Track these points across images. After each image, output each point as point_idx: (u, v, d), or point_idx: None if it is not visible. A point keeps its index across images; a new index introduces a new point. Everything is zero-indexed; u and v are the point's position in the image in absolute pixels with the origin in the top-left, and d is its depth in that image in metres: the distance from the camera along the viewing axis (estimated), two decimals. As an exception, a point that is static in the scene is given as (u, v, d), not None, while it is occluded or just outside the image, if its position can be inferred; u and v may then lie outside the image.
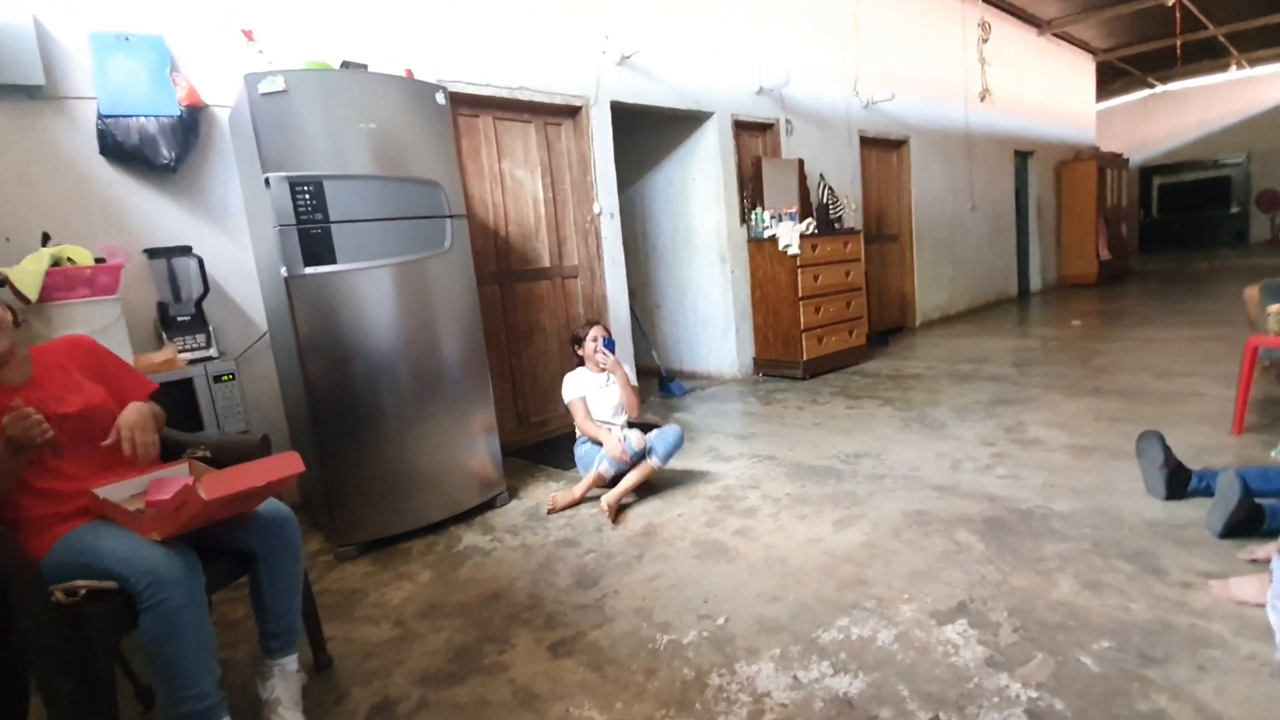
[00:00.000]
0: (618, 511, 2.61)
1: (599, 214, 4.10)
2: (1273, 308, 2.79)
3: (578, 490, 2.74)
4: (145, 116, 2.53)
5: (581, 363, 2.97)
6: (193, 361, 2.40)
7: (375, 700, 1.60)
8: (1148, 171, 14.21)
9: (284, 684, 1.50)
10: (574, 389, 2.90)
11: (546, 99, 3.78)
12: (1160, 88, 13.54)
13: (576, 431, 2.96)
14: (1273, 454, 1.67)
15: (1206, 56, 11.30)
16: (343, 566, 2.37)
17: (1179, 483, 2.27)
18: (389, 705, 1.57)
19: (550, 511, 2.68)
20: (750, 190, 5.01)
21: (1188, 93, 13.56)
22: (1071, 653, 1.53)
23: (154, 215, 2.64)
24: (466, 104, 3.52)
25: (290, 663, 1.54)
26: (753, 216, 4.94)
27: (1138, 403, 3.39)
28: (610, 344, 2.91)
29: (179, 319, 2.52)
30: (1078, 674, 1.46)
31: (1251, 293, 3.51)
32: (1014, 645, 1.58)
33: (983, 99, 6.73)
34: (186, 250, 2.58)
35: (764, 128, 5.20)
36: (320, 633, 1.74)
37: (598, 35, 4.00)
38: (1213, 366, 3.99)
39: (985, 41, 6.32)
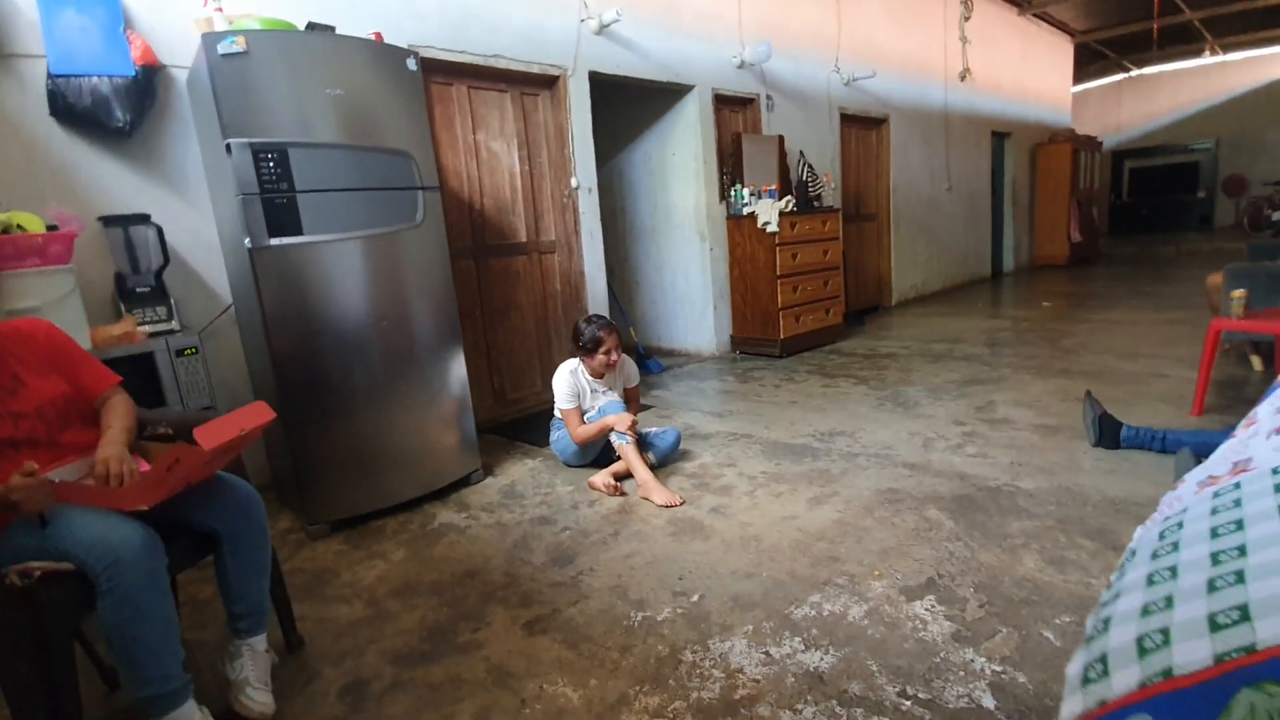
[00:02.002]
0: (618, 487, 2.56)
1: (577, 188, 4.03)
2: (1236, 293, 2.86)
3: (613, 472, 2.62)
4: (98, 76, 2.40)
5: (578, 355, 2.80)
6: (153, 335, 2.32)
7: (347, 680, 1.58)
8: (1120, 155, 14.41)
9: (253, 664, 1.47)
10: (568, 393, 2.74)
11: (523, 68, 3.68)
12: (1135, 71, 13.70)
13: (555, 413, 2.90)
14: None
15: (1181, 41, 11.43)
16: (314, 545, 2.33)
17: (1109, 430, 2.58)
18: (361, 685, 1.56)
19: (611, 495, 2.55)
20: (730, 167, 4.97)
21: (1161, 77, 13.73)
22: (1035, 627, 1.57)
23: (109, 181, 2.53)
24: (440, 71, 3.41)
25: (259, 643, 1.51)
26: (732, 193, 4.90)
27: (1103, 383, 3.47)
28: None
29: (138, 290, 2.42)
30: (1040, 648, 1.50)
31: (1214, 280, 3.60)
32: (980, 620, 1.61)
33: (963, 78, 6.73)
34: (144, 219, 2.48)
35: (745, 102, 5.14)
36: (290, 612, 1.72)
37: (576, 2, 3.90)
38: (1175, 349, 4.09)
39: (967, 19, 6.29)
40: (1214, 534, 0.64)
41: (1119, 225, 14.43)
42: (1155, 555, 0.69)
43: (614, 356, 2.74)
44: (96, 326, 2.25)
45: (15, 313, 1.99)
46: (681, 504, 2.40)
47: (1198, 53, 12.39)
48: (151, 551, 1.25)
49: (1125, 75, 13.90)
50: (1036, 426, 2.93)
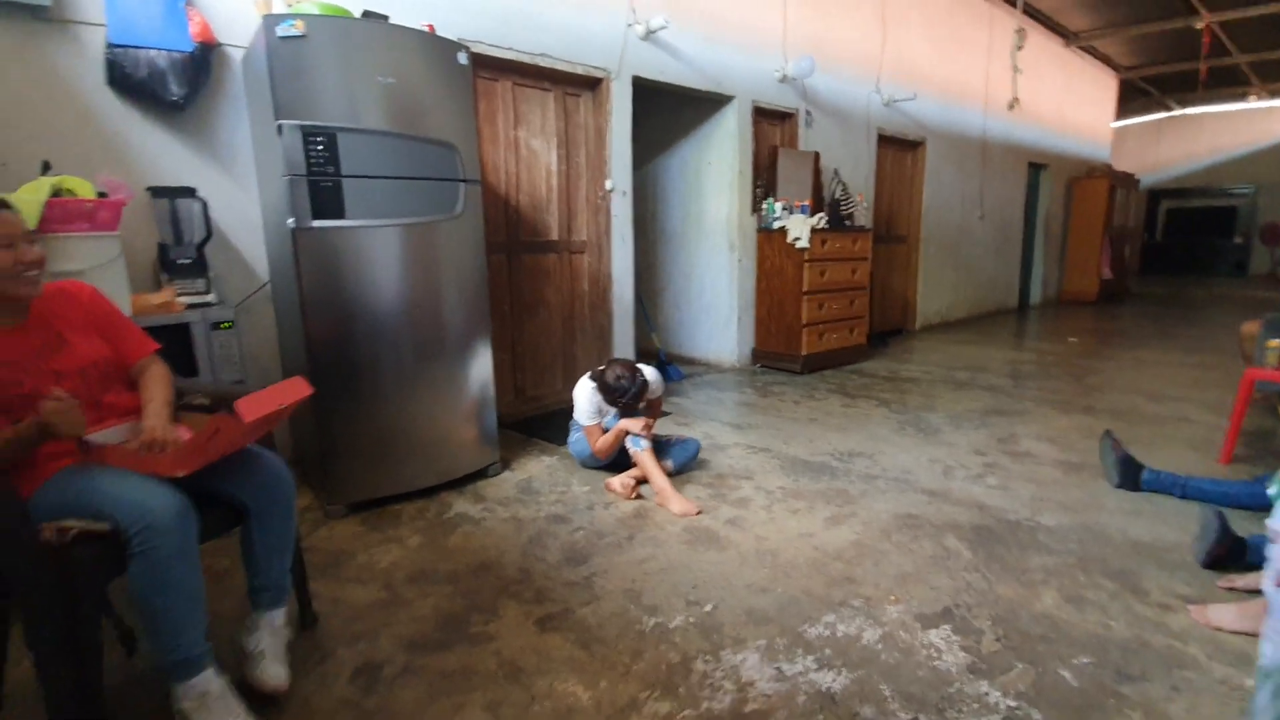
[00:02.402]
0: (636, 489, 2.57)
1: (611, 191, 4.04)
2: (1273, 342, 2.81)
3: (633, 475, 2.62)
4: (156, 49, 2.45)
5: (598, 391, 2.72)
6: (191, 306, 2.35)
7: (360, 662, 1.59)
8: (1156, 194, 14.23)
9: (270, 638, 1.49)
10: (589, 409, 2.73)
11: (568, 68, 3.71)
12: (1178, 111, 13.51)
13: (574, 416, 2.91)
14: (1270, 490, 1.68)
15: (1227, 83, 11.27)
16: (331, 524, 2.36)
17: (1130, 471, 2.54)
18: (374, 667, 1.57)
19: (626, 498, 2.56)
20: (764, 179, 4.96)
21: (1204, 118, 13.53)
22: (1051, 664, 1.55)
23: (159, 153, 2.58)
24: (486, 67, 3.45)
25: (277, 617, 1.53)
26: (765, 206, 4.90)
27: (1128, 423, 3.42)
28: (637, 388, 2.59)
29: (179, 262, 2.47)
30: (1056, 686, 1.48)
31: (1249, 328, 3.54)
32: (996, 653, 1.60)
33: (1011, 107, 6.64)
34: (191, 192, 2.52)
35: (783, 117, 5.14)
36: (307, 590, 1.74)
37: (624, 7, 3.92)
38: (1202, 393, 4.02)
39: (1020, 49, 6.20)
40: None
41: (1151, 265, 14.24)
42: None
43: (642, 426, 2.64)
44: (137, 294, 2.29)
45: (60, 274, 2.02)
46: (698, 514, 2.40)
47: (1242, 96, 12.20)
48: (185, 519, 1.27)
49: (1167, 114, 13.71)
50: (1059, 462, 2.90)
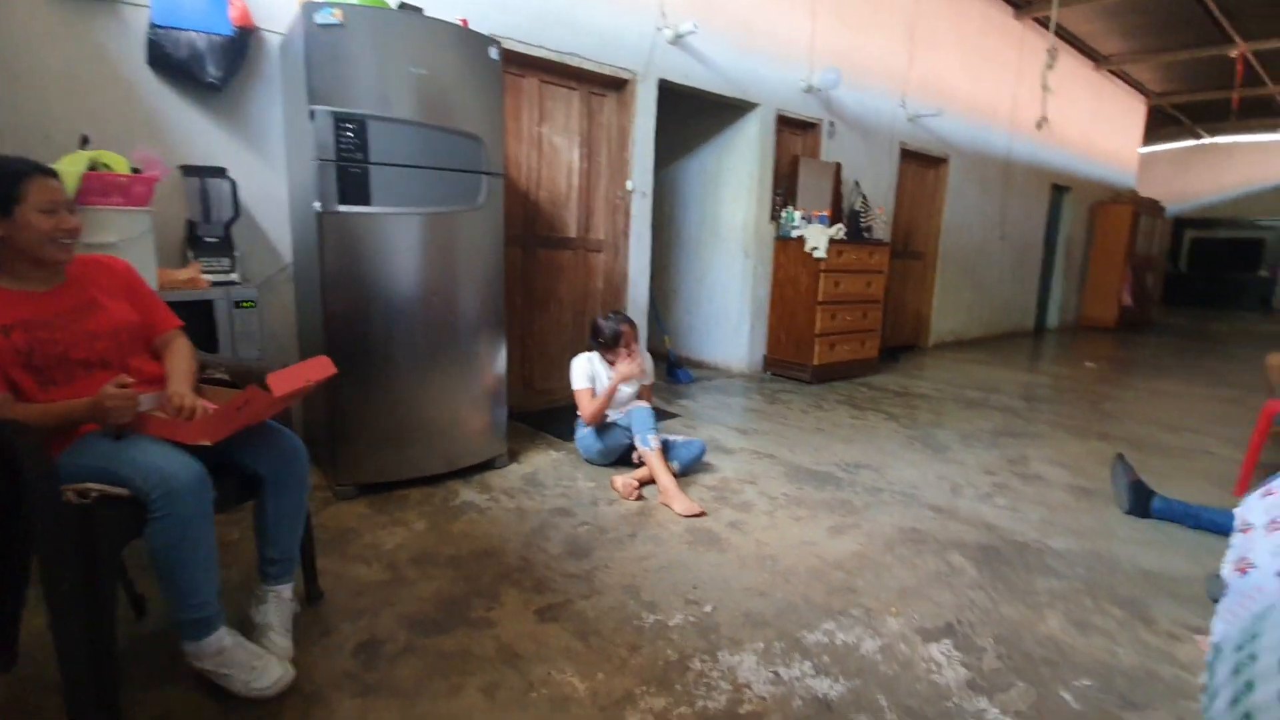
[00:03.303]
0: (638, 490, 2.58)
1: (631, 191, 4.07)
2: (1296, 375, 2.77)
3: (637, 476, 2.62)
4: (196, 31, 2.51)
5: (593, 349, 2.89)
6: (216, 284, 2.40)
7: (363, 638, 1.61)
8: (1182, 223, 14.05)
9: (277, 610, 1.52)
10: (583, 374, 2.83)
11: (595, 68, 3.74)
12: (1207, 139, 13.34)
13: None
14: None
15: (1260, 114, 11.13)
16: (339, 505, 2.39)
17: (1140, 498, 2.52)
18: (376, 644, 1.59)
19: (627, 498, 2.55)
20: (784, 188, 4.97)
21: (1234, 148, 13.35)
22: (1053, 687, 1.54)
23: (193, 133, 2.63)
24: (515, 63, 3.48)
25: (285, 590, 1.56)
26: (783, 215, 4.90)
27: (1144, 453, 3.38)
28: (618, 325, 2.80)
29: (206, 240, 2.52)
30: (1057, 708, 1.47)
31: (1275, 360, 3.49)
32: (996, 671, 1.59)
33: (1039, 126, 6.60)
34: (221, 172, 2.57)
35: (806, 126, 5.14)
36: (314, 565, 1.76)
37: (654, 10, 3.95)
38: (1222, 427, 3.97)
39: (1051, 68, 6.17)
40: None
41: (1174, 295, 14.05)
42: (1238, 647, 0.70)
43: (633, 352, 2.84)
44: (164, 268, 2.34)
45: (93, 246, 2.07)
46: (702, 515, 2.41)
47: (1275, 127, 12.03)
48: (203, 486, 1.30)
49: (1197, 142, 13.55)
50: (1071, 487, 2.87)
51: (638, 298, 4.24)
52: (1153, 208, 9.78)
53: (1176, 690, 1.54)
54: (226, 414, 1.36)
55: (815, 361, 4.73)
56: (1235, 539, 1.20)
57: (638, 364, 2.82)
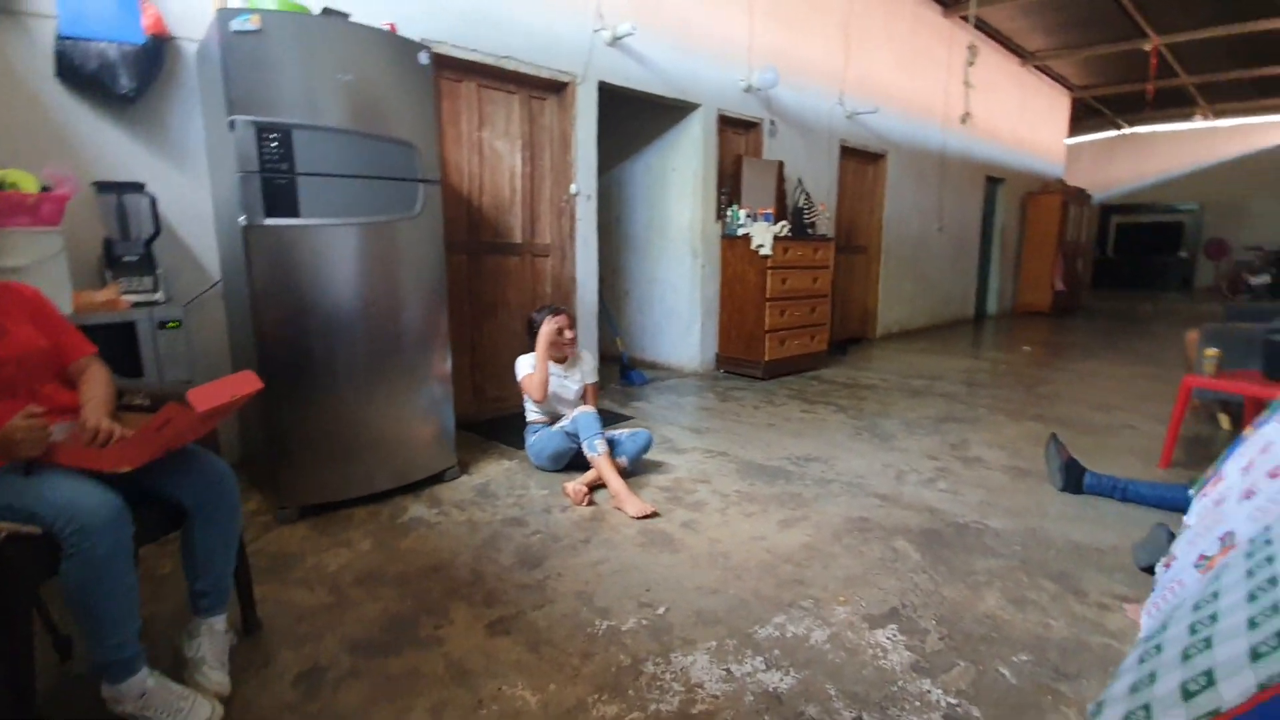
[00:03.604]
0: (588, 496, 2.58)
1: (576, 194, 4.05)
2: (1209, 351, 2.94)
3: (586, 481, 2.63)
4: (107, 41, 2.39)
5: (533, 349, 2.89)
6: (137, 305, 2.29)
7: (304, 666, 1.56)
8: (1108, 210, 14.77)
9: (211, 643, 1.46)
10: (528, 365, 2.87)
11: (533, 71, 3.71)
12: (1128, 129, 14.07)
13: (527, 416, 2.95)
14: (1190, 491, 1.76)
15: (1175, 104, 11.79)
16: (280, 528, 2.31)
17: (1073, 475, 2.65)
18: (318, 671, 1.54)
19: (578, 504, 2.55)
20: (729, 187, 5.03)
21: (1154, 137, 14.11)
22: (991, 663, 1.60)
23: (107, 147, 2.51)
24: (451, 67, 3.43)
25: (219, 622, 1.50)
26: (729, 213, 4.96)
27: (1075, 431, 3.54)
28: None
29: (125, 259, 2.40)
30: (995, 684, 1.52)
31: (1192, 336, 3.70)
32: (939, 652, 1.64)
33: (963, 121, 6.87)
34: (139, 187, 2.46)
35: (748, 126, 5.21)
36: (251, 594, 1.70)
37: (592, 12, 3.94)
38: (1147, 403, 4.19)
39: (971, 64, 6.44)
40: (1195, 608, 0.68)
41: (1102, 279, 14.74)
42: (1148, 638, 0.72)
43: (567, 335, 2.87)
44: (80, 291, 2.22)
45: (1, 271, 1.96)
46: (654, 515, 2.41)
47: (1189, 116, 12.77)
48: (120, 520, 1.24)
49: (1119, 132, 14.28)
50: (1008, 468, 2.98)
51: (587, 301, 4.23)
52: (1080, 196, 10.25)
53: (1106, 659, 1.62)
54: (146, 436, 1.30)
55: (766, 358, 4.80)
56: (1176, 543, 1.25)
57: (557, 324, 2.86)
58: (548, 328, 2.85)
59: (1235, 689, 0.50)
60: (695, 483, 2.77)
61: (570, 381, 2.94)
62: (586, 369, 3.02)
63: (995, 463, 3.05)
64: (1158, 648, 0.66)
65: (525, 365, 2.88)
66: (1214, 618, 0.61)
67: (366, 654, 1.61)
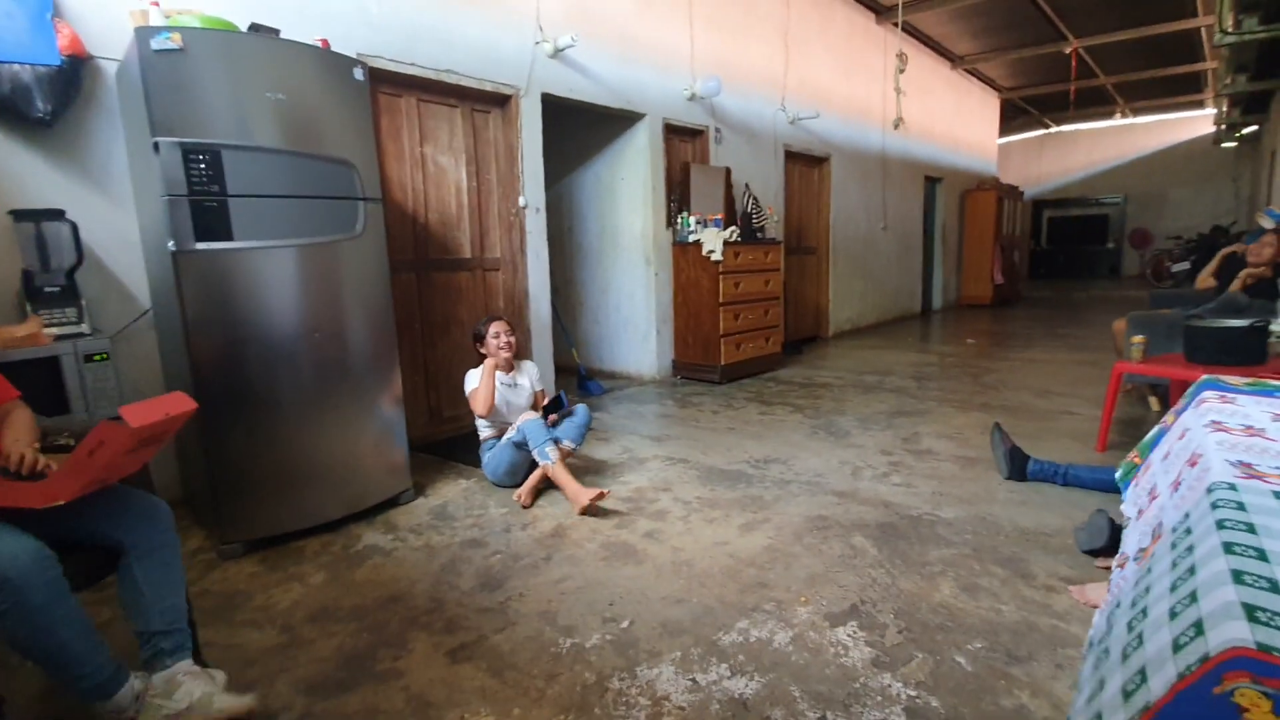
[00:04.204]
0: (534, 497, 2.67)
1: (524, 207, 4.02)
2: (1136, 338, 3.10)
3: (533, 481, 2.71)
4: (19, 64, 2.27)
5: (482, 360, 2.89)
6: (60, 338, 2.17)
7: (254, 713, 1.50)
8: (1040, 204, 15.47)
9: (197, 680, 1.35)
10: (474, 381, 2.85)
11: (475, 84, 3.68)
12: (1054, 128, 14.78)
13: (480, 434, 2.92)
14: (1117, 476, 1.83)
15: (1096, 103, 12.44)
16: (225, 566, 2.21)
17: (1017, 463, 2.74)
18: (268, 717, 1.48)
19: (526, 507, 2.65)
20: (678, 195, 5.07)
21: (1078, 135, 14.86)
22: (948, 653, 1.64)
23: (23, 174, 2.38)
24: (389, 82, 3.37)
25: (186, 664, 1.39)
26: (679, 221, 5.00)
27: (1019, 418, 3.68)
28: (557, 404, 2.88)
29: (46, 290, 2.27)
30: (952, 673, 1.56)
31: (1119, 325, 3.89)
32: (898, 646, 1.67)
33: (896, 126, 7.11)
34: (58, 214, 2.33)
35: (694, 134, 5.27)
36: (195, 638, 1.61)
37: (531, 24, 3.93)
38: (1084, 389, 4.38)
39: (902, 72, 6.68)
40: (1133, 604, 0.70)
41: (1038, 270, 15.41)
42: (1098, 641, 0.74)
43: (504, 338, 2.86)
44: (-5, 326, 2.09)
45: (-99, 308, 1.83)
46: (606, 495, 2.55)
47: (1110, 114, 13.51)
48: (41, 563, 1.17)
49: (1046, 131, 14.98)
50: (957, 458, 3.08)
51: (541, 314, 4.19)
52: (1013, 192, 10.70)
53: (1055, 640, 1.68)
54: (78, 463, 1.22)
55: (723, 362, 4.84)
56: (1125, 537, 1.28)
57: (495, 329, 2.86)
58: (490, 339, 2.85)
59: (1161, 682, 0.52)
60: (657, 491, 2.77)
61: (518, 391, 2.94)
62: (533, 375, 3.04)
63: (945, 453, 3.14)
64: (1106, 651, 0.68)
65: (472, 379, 2.86)
66: (1145, 613, 0.63)
67: (322, 694, 1.55)
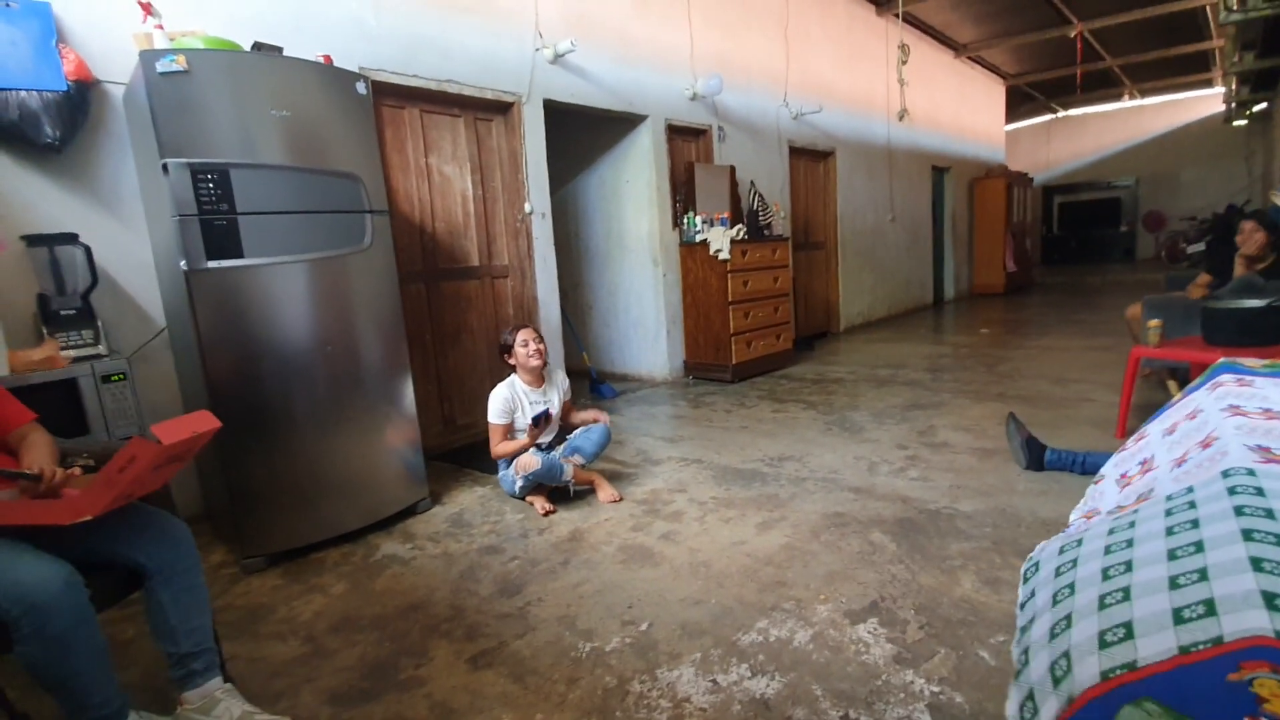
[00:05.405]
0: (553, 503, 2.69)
1: (530, 213, 4.04)
2: (1152, 322, 3.06)
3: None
4: (27, 90, 2.30)
5: (512, 371, 2.84)
6: (78, 360, 2.20)
7: (279, 723, 1.51)
8: (1050, 190, 15.29)
9: (235, 700, 1.39)
10: (500, 408, 2.73)
11: (477, 94, 3.70)
12: (1062, 113, 14.62)
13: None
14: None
15: (1103, 86, 12.28)
16: (248, 580, 2.23)
17: (1034, 452, 2.71)
18: (294, 727, 1.49)
19: (548, 514, 2.63)
20: (683, 195, 5.06)
21: (1086, 118, 14.69)
22: (971, 647, 1.62)
23: (35, 199, 2.42)
24: (391, 94, 3.39)
25: (215, 683, 1.42)
26: (685, 221, 4.99)
27: (1036, 407, 3.64)
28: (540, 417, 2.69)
29: (62, 313, 2.31)
30: (976, 668, 1.55)
31: (1134, 310, 3.83)
32: (920, 642, 1.66)
33: (901, 118, 7.06)
34: (72, 238, 2.37)
35: (697, 133, 5.26)
36: (220, 653, 1.63)
37: (530, 31, 3.95)
38: (1101, 375, 4.32)
39: (904, 63, 6.64)
40: (1107, 551, 0.69)
41: (1050, 256, 15.25)
42: (1058, 572, 0.72)
43: (533, 346, 2.78)
44: (15, 350, 2.13)
45: (-76, 336, 1.87)
46: (620, 500, 2.69)
47: (1118, 96, 13.33)
48: (72, 589, 1.19)
49: (1053, 116, 14.82)
50: (974, 450, 3.05)
51: (550, 318, 4.20)
52: (1022, 179, 10.60)
53: (1080, 631, 1.65)
54: (109, 478, 1.23)
55: (734, 360, 4.83)
56: (1089, 489, 1.28)
57: (523, 337, 2.79)
58: (519, 348, 2.78)
59: (1155, 646, 0.51)
60: (673, 493, 2.77)
61: (550, 405, 2.84)
62: (563, 386, 2.94)
63: (962, 446, 3.11)
64: (1070, 587, 0.68)
65: (498, 411, 2.72)
66: (1129, 566, 0.63)
67: (346, 703, 1.56)
